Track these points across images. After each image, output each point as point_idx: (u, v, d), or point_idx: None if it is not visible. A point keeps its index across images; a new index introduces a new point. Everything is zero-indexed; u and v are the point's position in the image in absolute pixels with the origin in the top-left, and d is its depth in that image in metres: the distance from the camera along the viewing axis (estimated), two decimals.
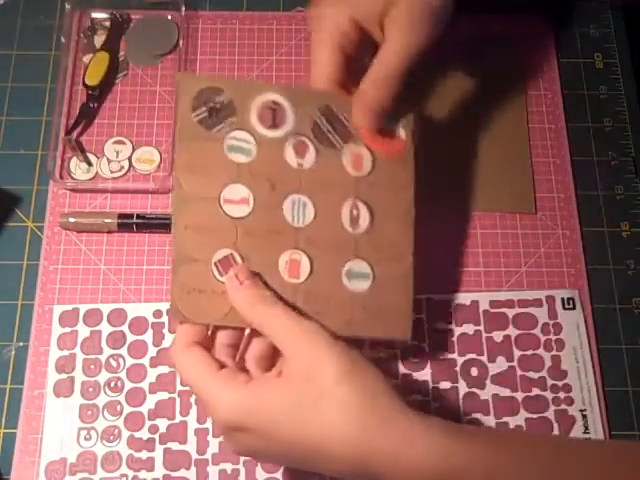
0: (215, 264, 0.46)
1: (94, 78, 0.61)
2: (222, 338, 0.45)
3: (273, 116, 0.48)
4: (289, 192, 0.48)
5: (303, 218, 0.48)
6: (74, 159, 0.59)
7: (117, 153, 0.60)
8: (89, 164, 0.59)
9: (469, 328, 0.55)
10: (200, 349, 0.44)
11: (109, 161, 0.59)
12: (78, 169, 0.59)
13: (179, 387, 0.53)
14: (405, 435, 0.40)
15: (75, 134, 0.60)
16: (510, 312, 0.56)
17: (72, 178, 0.59)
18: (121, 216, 0.57)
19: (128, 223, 0.57)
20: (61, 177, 0.59)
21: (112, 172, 0.59)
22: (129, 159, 0.60)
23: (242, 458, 0.51)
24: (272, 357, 0.45)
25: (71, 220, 0.56)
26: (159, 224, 0.57)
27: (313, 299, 0.46)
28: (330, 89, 0.49)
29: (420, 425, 0.40)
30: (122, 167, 0.59)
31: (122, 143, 0.60)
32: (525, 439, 0.44)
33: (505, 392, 0.53)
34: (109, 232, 0.57)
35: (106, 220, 0.56)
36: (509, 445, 0.41)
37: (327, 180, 0.49)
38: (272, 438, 0.41)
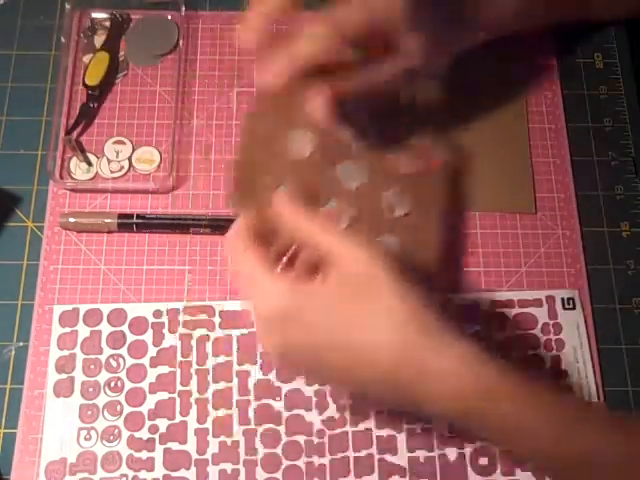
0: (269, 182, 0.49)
1: (94, 78, 0.61)
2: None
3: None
4: (343, 158, 0.53)
5: (351, 184, 0.52)
6: (74, 159, 0.59)
7: (117, 153, 0.60)
8: (89, 164, 0.59)
9: (469, 328, 0.55)
10: (255, 245, 0.44)
11: (109, 161, 0.59)
12: (78, 169, 0.59)
13: (179, 387, 0.53)
14: (441, 348, 0.41)
15: (75, 134, 0.60)
16: (510, 312, 0.56)
17: (72, 178, 0.59)
18: (121, 216, 0.57)
19: (128, 223, 0.57)
20: (61, 177, 0.59)
21: (112, 172, 0.59)
22: (129, 159, 0.60)
23: (242, 458, 0.51)
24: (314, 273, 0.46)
25: (71, 220, 0.56)
26: (159, 224, 0.57)
27: None
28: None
29: (456, 341, 0.42)
30: (122, 167, 0.59)
31: (122, 143, 0.60)
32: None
33: None
34: (109, 232, 0.57)
35: (106, 220, 0.56)
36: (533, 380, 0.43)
37: (374, 165, 0.53)
38: (315, 332, 0.42)
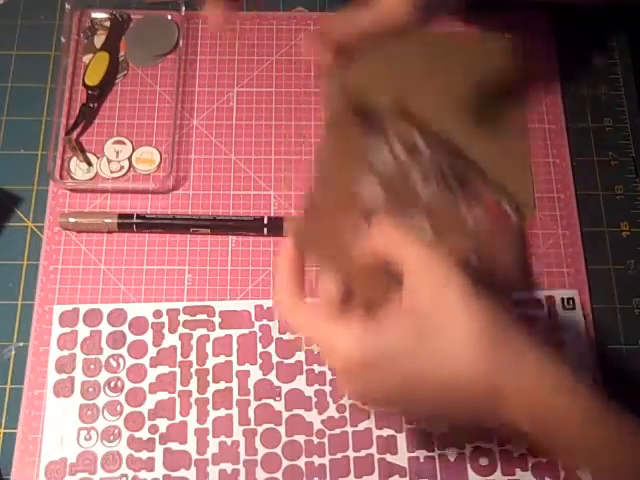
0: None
1: (94, 78, 0.61)
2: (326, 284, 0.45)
3: (411, 144, 0.52)
4: (408, 204, 0.50)
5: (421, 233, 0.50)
6: (74, 159, 0.59)
7: (117, 153, 0.60)
8: (89, 164, 0.59)
9: None
10: (305, 301, 0.43)
11: (109, 161, 0.59)
12: (78, 169, 0.59)
13: (179, 387, 0.53)
14: (535, 370, 0.40)
15: (75, 134, 0.60)
16: None
17: (72, 178, 0.59)
18: (121, 216, 0.57)
19: (128, 223, 0.56)
20: (61, 177, 0.59)
21: (112, 172, 0.59)
22: (129, 159, 0.60)
23: (242, 458, 0.51)
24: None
25: (71, 220, 0.56)
26: (159, 224, 0.57)
27: None
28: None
29: (549, 361, 0.40)
30: (122, 167, 0.59)
31: (122, 143, 0.60)
32: None
33: None
34: (109, 232, 0.57)
35: (106, 220, 0.56)
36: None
37: (440, 212, 0.51)
38: (397, 371, 0.40)
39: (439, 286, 0.41)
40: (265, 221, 0.57)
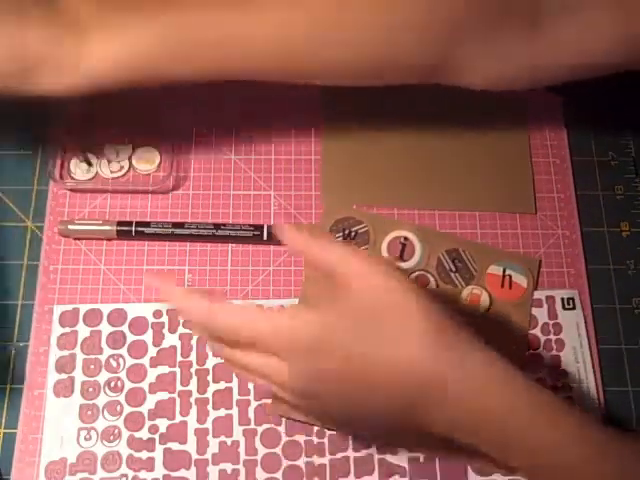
0: None
1: None
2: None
3: (402, 250, 0.55)
4: None
5: None
6: (74, 159, 0.59)
7: (117, 153, 0.60)
8: (89, 164, 0.59)
9: None
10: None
11: (109, 161, 0.59)
12: (78, 169, 0.59)
13: (179, 387, 0.53)
14: (483, 367, 0.40)
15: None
16: None
17: (72, 178, 0.59)
18: (120, 224, 0.56)
19: (127, 231, 0.56)
20: (61, 177, 0.59)
21: (112, 172, 0.59)
22: (129, 159, 0.60)
23: (242, 458, 0.51)
24: None
25: (70, 227, 0.56)
26: (158, 234, 0.56)
27: None
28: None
29: (497, 360, 0.41)
30: (122, 167, 0.59)
31: (122, 143, 0.60)
32: None
33: None
34: (108, 240, 0.57)
35: (105, 228, 0.56)
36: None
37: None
38: (343, 350, 0.39)
39: (389, 279, 0.41)
40: (265, 230, 0.56)
